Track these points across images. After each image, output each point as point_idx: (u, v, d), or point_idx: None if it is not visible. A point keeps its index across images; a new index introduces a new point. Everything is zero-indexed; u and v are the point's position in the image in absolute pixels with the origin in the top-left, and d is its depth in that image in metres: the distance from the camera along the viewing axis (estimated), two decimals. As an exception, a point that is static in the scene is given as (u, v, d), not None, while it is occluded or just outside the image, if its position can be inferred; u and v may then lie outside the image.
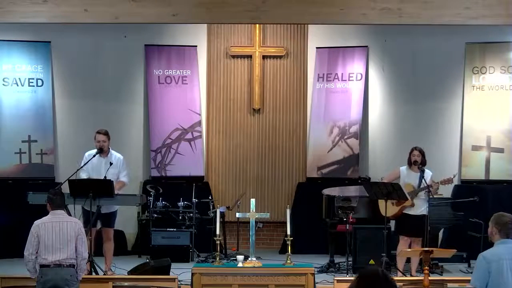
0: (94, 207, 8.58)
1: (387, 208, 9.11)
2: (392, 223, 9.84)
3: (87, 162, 8.93)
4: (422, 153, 9.21)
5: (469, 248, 10.33)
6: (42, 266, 6.61)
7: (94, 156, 8.95)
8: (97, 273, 8.48)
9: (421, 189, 9.02)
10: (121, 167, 9.14)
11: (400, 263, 9.18)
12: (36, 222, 6.72)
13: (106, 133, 9.10)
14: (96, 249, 9.10)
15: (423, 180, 8.96)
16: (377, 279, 2.98)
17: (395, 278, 8.47)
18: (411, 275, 8.96)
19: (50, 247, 6.59)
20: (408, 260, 9.28)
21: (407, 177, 9.20)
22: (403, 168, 9.29)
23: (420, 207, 9.05)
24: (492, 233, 5.63)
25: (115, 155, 9.14)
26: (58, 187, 8.45)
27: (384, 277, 2.99)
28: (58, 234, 6.62)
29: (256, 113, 12.15)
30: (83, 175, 8.96)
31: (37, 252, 6.63)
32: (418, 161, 9.16)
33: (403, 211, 9.18)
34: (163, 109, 11.92)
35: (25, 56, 11.56)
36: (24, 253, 6.68)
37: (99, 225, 9.06)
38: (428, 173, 9.14)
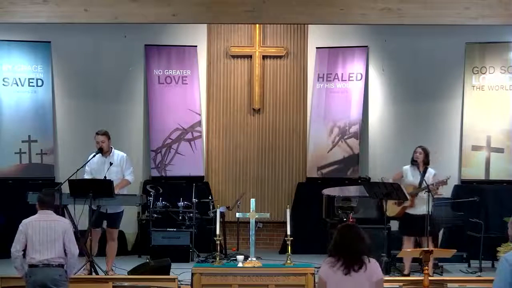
0: (95, 207, 8.58)
1: (390, 207, 9.17)
2: (394, 223, 9.85)
3: (87, 163, 8.92)
4: (425, 152, 9.20)
5: (469, 248, 10.33)
6: (30, 266, 6.60)
7: (94, 156, 8.94)
8: (97, 273, 8.47)
9: (421, 189, 9.01)
10: (125, 166, 9.05)
11: (406, 263, 9.18)
12: (25, 221, 6.72)
13: (104, 134, 9.02)
14: (100, 249, 9.08)
15: (424, 180, 8.96)
16: (348, 227, 5.19)
17: (395, 278, 8.51)
18: (403, 274, 8.99)
19: (38, 246, 6.57)
20: (413, 260, 9.24)
21: (410, 176, 9.21)
22: (407, 167, 9.28)
23: (421, 207, 9.03)
24: None
25: (117, 154, 9.09)
26: (58, 187, 8.47)
27: (353, 226, 5.24)
28: (45, 233, 6.60)
29: (256, 113, 12.15)
30: (87, 177, 8.93)
31: (24, 250, 6.62)
32: (419, 160, 9.16)
33: (405, 211, 9.18)
34: (163, 109, 11.92)
35: (25, 56, 11.55)
36: (11, 250, 6.67)
37: (104, 225, 9.03)
38: (430, 172, 9.13)
